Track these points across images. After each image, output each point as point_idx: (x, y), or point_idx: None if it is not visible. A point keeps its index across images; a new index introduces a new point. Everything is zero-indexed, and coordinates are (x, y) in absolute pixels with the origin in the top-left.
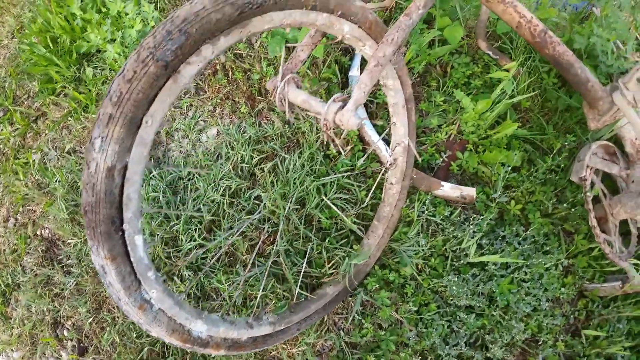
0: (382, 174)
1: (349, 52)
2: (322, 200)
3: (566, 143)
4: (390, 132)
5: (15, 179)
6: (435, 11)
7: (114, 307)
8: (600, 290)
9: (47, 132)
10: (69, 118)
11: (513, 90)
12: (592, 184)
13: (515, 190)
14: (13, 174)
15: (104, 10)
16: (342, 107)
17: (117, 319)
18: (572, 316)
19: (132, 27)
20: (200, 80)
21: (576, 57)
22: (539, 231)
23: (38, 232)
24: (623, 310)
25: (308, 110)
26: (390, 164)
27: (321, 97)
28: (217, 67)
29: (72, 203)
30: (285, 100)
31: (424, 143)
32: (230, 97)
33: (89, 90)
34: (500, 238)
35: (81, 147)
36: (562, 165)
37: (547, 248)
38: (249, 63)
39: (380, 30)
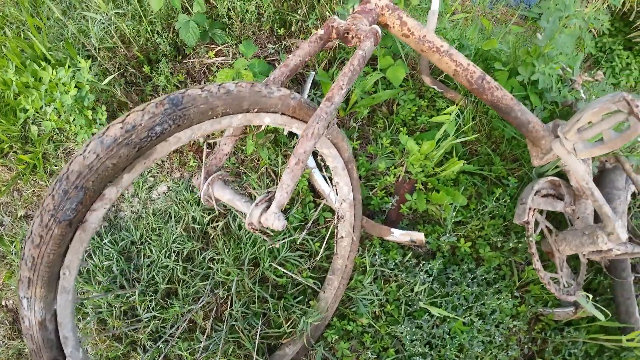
0: (334, 226)
1: (298, 81)
2: (277, 258)
3: (508, 186)
4: (335, 189)
5: None
6: (377, 51)
7: None
8: (555, 315)
9: None
10: (19, 181)
11: (459, 124)
12: (537, 223)
13: (465, 225)
14: None
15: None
16: (267, 207)
17: None
18: (527, 345)
19: (68, 92)
20: None
21: (515, 100)
22: (490, 265)
23: (2, 303)
24: (577, 335)
25: (237, 209)
26: (338, 219)
27: (269, 149)
28: None
29: None
30: (212, 198)
31: (373, 187)
32: (178, 150)
33: (35, 148)
34: (450, 280)
35: (32, 212)
36: (511, 194)
37: (498, 285)
38: None
39: (307, 111)
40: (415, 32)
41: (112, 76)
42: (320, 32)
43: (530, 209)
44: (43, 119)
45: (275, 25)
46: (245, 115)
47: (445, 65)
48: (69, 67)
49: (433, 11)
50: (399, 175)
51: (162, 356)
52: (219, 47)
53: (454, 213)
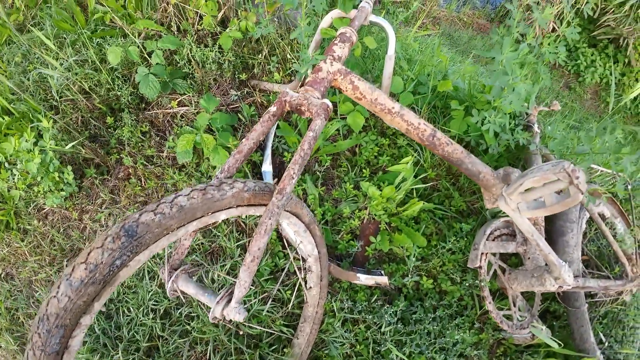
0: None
1: (259, 148)
2: (250, 310)
3: (462, 230)
4: (300, 247)
5: None
6: (337, 97)
7: None
8: (514, 339)
9: None
10: None
11: (419, 162)
12: (490, 264)
13: (427, 262)
14: None
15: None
16: (228, 301)
17: None
18: None
19: (32, 159)
20: (115, 187)
21: (465, 153)
22: (452, 298)
23: None
24: (536, 357)
25: (201, 302)
26: (306, 272)
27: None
28: (130, 171)
29: (18, 334)
30: (177, 290)
31: (339, 231)
32: (148, 203)
33: (7, 205)
34: (414, 318)
35: (11, 271)
36: (468, 232)
37: (460, 318)
38: (160, 167)
39: (262, 196)
40: (367, 96)
41: (75, 141)
42: (273, 109)
43: (482, 253)
44: (10, 182)
45: (237, 70)
46: (200, 220)
47: (397, 124)
48: (31, 130)
49: (389, 56)
50: (364, 218)
51: None
52: (182, 97)
53: (416, 253)
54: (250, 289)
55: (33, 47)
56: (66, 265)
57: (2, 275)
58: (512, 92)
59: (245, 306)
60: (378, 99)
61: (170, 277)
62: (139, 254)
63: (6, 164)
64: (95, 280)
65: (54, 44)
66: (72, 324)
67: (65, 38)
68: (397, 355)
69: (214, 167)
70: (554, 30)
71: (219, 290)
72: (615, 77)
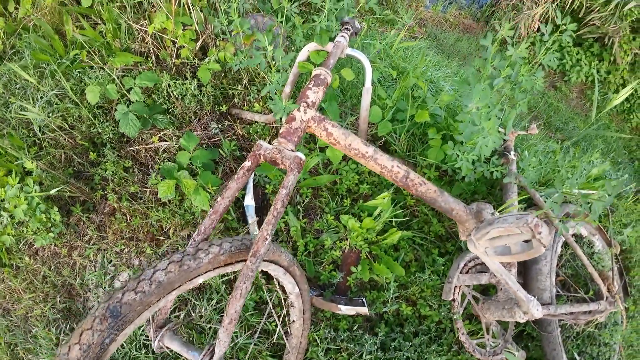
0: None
1: None
2: (237, 344)
3: (436, 263)
4: (282, 288)
5: None
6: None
7: None
8: None
9: None
10: None
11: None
12: (464, 296)
13: (407, 289)
14: None
15: None
16: (212, 355)
17: None
18: None
19: (19, 206)
20: (101, 223)
21: (438, 192)
22: (431, 322)
23: None
24: None
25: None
26: (288, 307)
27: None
28: (115, 207)
29: None
30: (164, 348)
31: (321, 262)
32: (134, 238)
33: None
34: (394, 346)
35: (10, 306)
36: (444, 262)
37: (434, 347)
38: (144, 203)
39: (240, 254)
40: (341, 141)
41: (59, 187)
42: (247, 164)
43: (456, 286)
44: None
45: (217, 102)
46: (179, 289)
47: (372, 167)
48: (16, 174)
49: (367, 88)
50: (345, 248)
51: None
52: (163, 133)
53: (394, 283)
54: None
55: (14, 78)
56: (65, 338)
57: (0, 311)
58: (482, 139)
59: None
60: (352, 144)
61: (157, 336)
62: (124, 329)
63: None
64: (90, 358)
65: (33, 74)
66: None
67: (45, 67)
68: None
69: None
70: (538, 30)
71: (207, 333)
72: (601, 76)
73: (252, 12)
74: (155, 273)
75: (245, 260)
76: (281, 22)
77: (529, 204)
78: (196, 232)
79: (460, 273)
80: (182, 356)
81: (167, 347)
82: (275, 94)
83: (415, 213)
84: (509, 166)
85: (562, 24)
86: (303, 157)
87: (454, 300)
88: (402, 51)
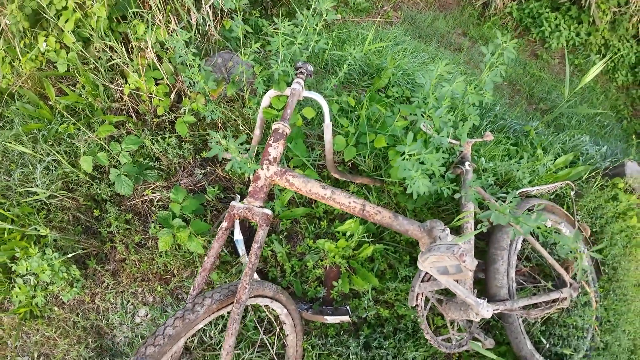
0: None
1: None
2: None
3: (399, 274)
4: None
5: None
6: (290, 151)
7: None
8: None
9: (10, 341)
10: (23, 327)
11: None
12: (427, 300)
13: (384, 294)
14: None
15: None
16: None
17: None
18: None
19: (44, 272)
20: (115, 270)
21: (393, 217)
22: (407, 321)
23: None
24: None
25: None
26: (281, 325)
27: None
28: (125, 255)
29: None
30: None
31: (307, 280)
32: (145, 279)
33: (26, 299)
34: (375, 344)
35: (48, 351)
36: (409, 273)
37: (410, 342)
38: (149, 250)
39: (229, 299)
40: (303, 188)
41: (74, 252)
42: (224, 224)
43: (418, 294)
44: (31, 292)
45: (197, 150)
46: (185, 336)
47: (332, 204)
48: (34, 243)
49: (327, 125)
50: (326, 265)
51: None
52: (154, 186)
53: (370, 292)
54: (240, 342)
55: (9, 145)
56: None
57: (40, 357)
58: (417, 181)
59: None
60: (312, 189)
61: None
62: None
63: (22, 277)
64: None
65: (27, 140)
66: None
67: (37, 133)
68: None
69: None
70: None
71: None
72: (582, 38)
73: (219, 51)
74: (166, 329)
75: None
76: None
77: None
78: (192, 287)
79: (422, 281)
80: None
81: None
82: (239, 160)
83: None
84: (464, 177)
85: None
86: (270, 212)
87: (417, 305)
88: (376, 47)
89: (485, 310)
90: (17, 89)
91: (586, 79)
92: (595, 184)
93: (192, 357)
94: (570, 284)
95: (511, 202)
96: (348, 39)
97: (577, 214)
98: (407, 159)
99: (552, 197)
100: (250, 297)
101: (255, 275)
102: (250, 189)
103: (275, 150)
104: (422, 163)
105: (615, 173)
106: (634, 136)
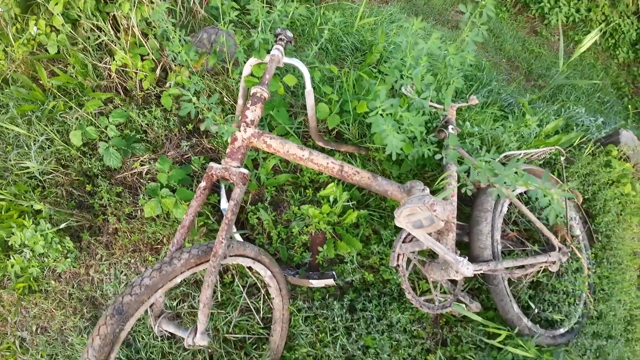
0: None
1: (215, 190)
2: (231, 323)
3: (384, 239)
4: (257, 274)
5: None
6: (274, 120)
7: None
8: (451, 312)
9: (10, 317)
10: (22, 302)
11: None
12: (409, 261)
13: (369, 258)
14: None
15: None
16: (195, 333)
17: None
18: (428, 339)
19: (37, 243)
20: (108, 242)
21: (372, 178)
22: (392, 285)
23: None
24: (472, 324)
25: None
26: (266, 288)
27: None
28: (117, 227)
29: None
30: (162, 331)
31: (293, 246)
32: (137, 250)
33: (24, 273)
34: (360, 306)
35: (46, 324)
36: (392, 233)
37: (395, 305)
38: (139, 221)
39: (206, 256)
40: (280, 150)
41: (66, 222)
42: (203, 184)
43: (399, 254)
44: (26, 263)
45: (183, 123)
46: (163, 288)
47: (311, 166)
48: (28, 216)
49: (308, 91)
50: (312, 231)
51: None
52: (142, 158)
53: (355, 256)
54: (227, 304)
55: (5, 129)
56: (89, 332)
57: (38, 330)
58: (390, 138)
59: (208, 333)
60: (289, 150)
61: (156, 323)
62: (128, 321)
63: (17, 246)
64: (108, 343)
65: (22, 122)
66: None
67: (31, 115)
68: (350, 336)
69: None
70: None
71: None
72: (582, 14)
73: (205, 26)
74: (143, 279)
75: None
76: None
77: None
78: (171, 244)
79: (403, 242)
80: (177, 335)
81: (165, 330)
82: (215, 122)
83: (371, 193)
84: (448, 140)
85: None
86: (246, 171)
87: (398, 265)
88: (369, 25)
89: (465, 267)
90: (10, 74)
91: (580, 49)
92: (587, 150)
93: (182, 321)
94: (560, 249)
95: (488, 156)
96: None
97: (568, 181)
98: (380, 115)
99: (542, 163)
100: (232, 256)
101: (239, 238)
102: (227, 150)
103: (252, 113)
104: (397, 121)
105: (610, 142)
106: (629, 106)
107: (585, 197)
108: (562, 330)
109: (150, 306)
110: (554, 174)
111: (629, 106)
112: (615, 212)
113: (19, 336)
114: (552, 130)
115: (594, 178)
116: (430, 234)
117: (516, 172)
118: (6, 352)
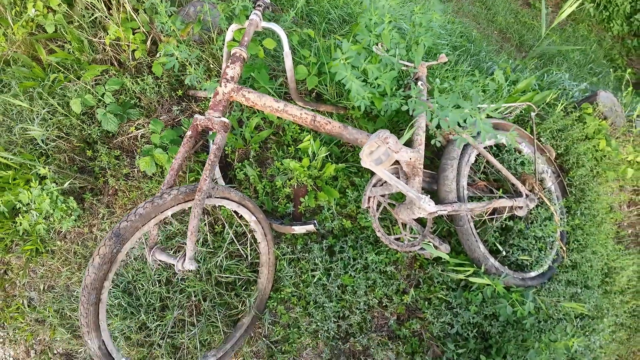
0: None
1: (205, 150)
2: (222, 267)
3: (360, 187)
4: (241, 218)
5: (18, 324)
6: (256, 82)
7: None
8: (423, 255)
9: (19, 279)
10: (30, 264)
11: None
12: (379, 204)
13: (347, 207)
14: (14, 321)
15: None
16: (184, 259)
17: None
18: (403, 280)
19: (44, 201)
20: (109, 202)
21: (342, 127)
22: (369, 232)
23: (56, 352)
24: (443, 266)
25: (170, 263)
26: (252, 233)
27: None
28: (116, 188)
29: (68, 326)
30: (156, 260)
31: (277, 198)
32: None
33: (32, 237)
34: (338, 250)
35: (53, 282)
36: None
37: (370, 247)
38: (136, 180)
39: (193, 194)
40: (258, 102)
41: (68, 180)
42: (189, 132)
43: (369, 197)
44: (33, 220)
45: (173, 88)
46: (155, 219)
47: (286, 117)
48: (35, 179)
49: (286, 53)
50: (294, 184)
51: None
52: (137, 122)
53: (334, 205)
54: (218, 250)
55: (9, 106)
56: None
57: (46, 288)
58: (351, 84)
59: (197, 258)
60: (266, 103)
61: (150, 253)
62: (125, 244)
63: (24, 209)
64: (107, 261)
65: (24, 99)
66: (99, 287)
67: (32, 91)
68: (329, 276)
69: None
70: None
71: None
72: None
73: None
74: (137, 209)
75: None
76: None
77: None
78: (162, 184)
79: (374, 186)
80: (168, 263)
81: (158, 259)
82: (198, 82)
83: (349, 148)
84: (419, 96)
85: None
86: (227, 120)
87: (369, 207)
88: None
89: (427, 204)
90: (11, 55)
91: (562, 14)
92: (560, 106)
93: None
94: (527, 196)
95: (456, 118)
96: None
97: (540, 136)
98: (343, 64)
99: (516, 121)
100: (217, 197)
101: (222, 183)
102: (210, 103)
103: (232, 70)
104: (364, 74)
105: (587, 102)
106: (611, 70)
107: (558, 151)
108: (532, 274)
109: (146, 240)
110: (526, 131)
111: (610, 70)
112: (589, 167)
113: (27, 296)
114: (524, 88)
115: (566, 133)
116: (398, 177)
117: (459, 107)
118: (15, 313)
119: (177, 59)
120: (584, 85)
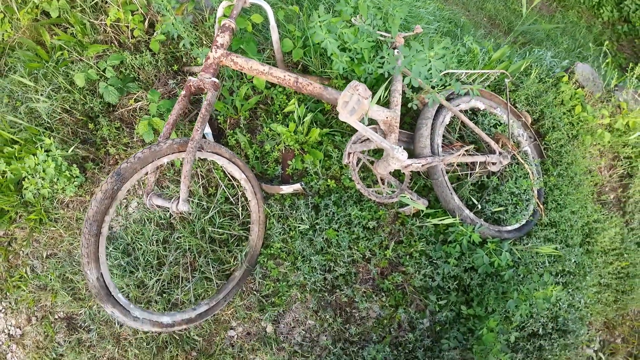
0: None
1: None
2: (215, 224)
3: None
4: (231, 176)
5: (21, 292)
6: (245, 54)
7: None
8: (404, 211)
9: (23, 249)
10: (34, 234)
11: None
12: (359, 161)
13: (331, 169)
14: (17, 289)
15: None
16: (178, 201)
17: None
18: (385, 236)
19: (49, 166)
20: (110, 171)
21: (323, 88)
22: (353, 191)
23: (57, 316)
24: (423, 220)
25: (166, 207)
26: (242, 191)
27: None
28: (116, 157)
29: (70, 289)
30: (153, 205)
31: (267, 162)
32: None
33: (35, 207)
34: (323, 207)
35: (55, 250)
36: None
37: (353, 202)
38: (135, 149)
39: (186, 145)
40: (245, 66)
41: (72, 147)
42: (183, 92)
43: (349, 153)
44: (39, 185)
45: (169, 64)
46: (153, 164)
47: (271, 79)
48: (41, 148)
49: (272, 26)
50: (282, 149)
51: (169, 301)
52: (136, 95)
53: (320, 165)
54: (212, 207)
55: (15, 88)
56: None
57: (48, 255)
58: (326, 43)
59: (190, 200)
60: (252, 66)
61: (147, 198)
62: (125, 182)
63: (30, 176)
64: (109, 196)
65: (30, 80)
66: (100, 220)
67: (37, 72)
68: (314, 231)
69: None
70: None
71: None
72: None
73: None
74: (137, 154)
75: None
76: None
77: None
78: (159, 136)
79: (353, 143)
80: (163, 206)
81: (154, 204)
82: (191, 44)
83: (334, 116)
84: (393, 60)
85: None
86: (217, 80)
87: (350, 162)
88: None
89: (400, 154)
90: (17, 40)
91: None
92: (534, 72)
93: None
94: (500, 153)
95: (427, 77)
96: None
97: (515, 103)
98: (319, 26)
99: (491, 88)
100: (208, 152)
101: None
102: (202, 67)
103: (222, 38)
104: (342, 41)
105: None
106: (590, 44)
107: (535, 117)
108: (509, 228)
109: (144, 187)
110: (502, 97)
111: (590, 44)
112: (564, 131)
113: (31, 264)
114: (499, 57)
115: (541, 99)
116: (376, 131)
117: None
118: (19, 282)
119: (175, 28)
120: (566, 62)
